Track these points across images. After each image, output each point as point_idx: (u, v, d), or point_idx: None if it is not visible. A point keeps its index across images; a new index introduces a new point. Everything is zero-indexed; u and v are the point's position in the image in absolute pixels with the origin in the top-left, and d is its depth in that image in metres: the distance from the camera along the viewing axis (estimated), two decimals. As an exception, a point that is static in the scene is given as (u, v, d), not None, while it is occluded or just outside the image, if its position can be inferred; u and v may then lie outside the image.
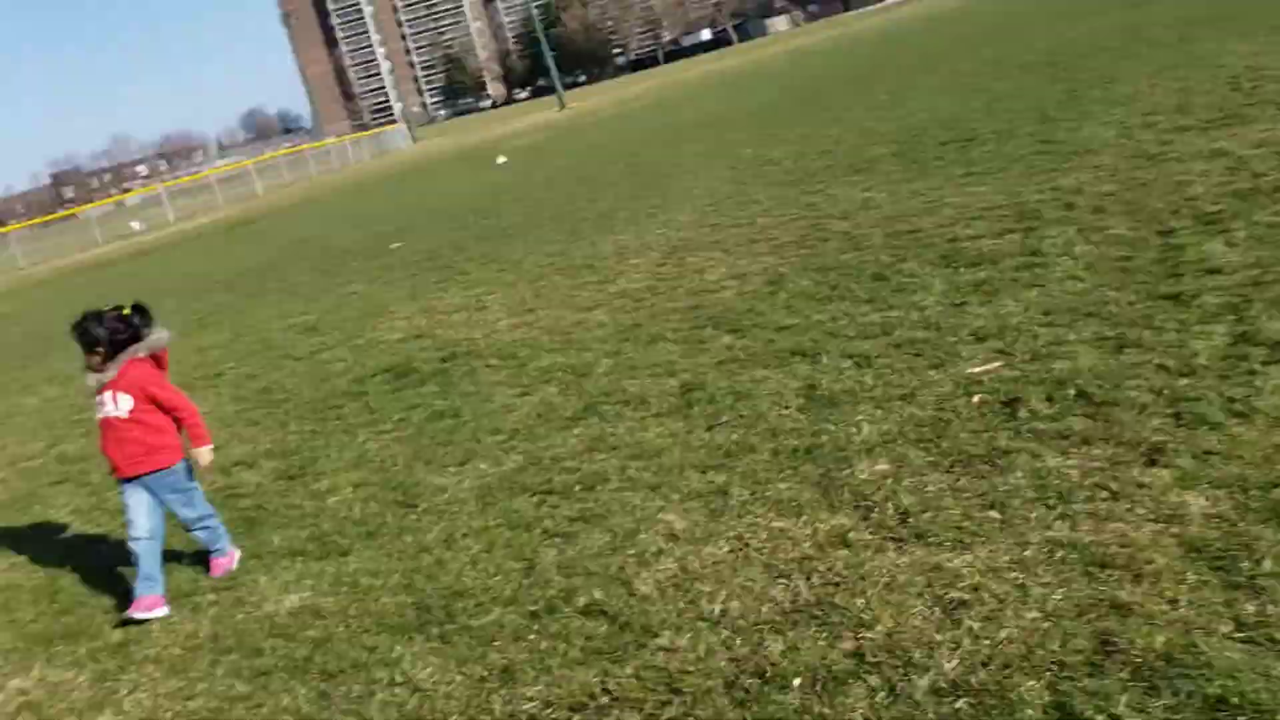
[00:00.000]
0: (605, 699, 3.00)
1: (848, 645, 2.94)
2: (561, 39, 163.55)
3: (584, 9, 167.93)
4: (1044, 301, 5.34)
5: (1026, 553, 3.16)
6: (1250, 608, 2.66)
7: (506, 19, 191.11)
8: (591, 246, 10.81)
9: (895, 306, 5.96)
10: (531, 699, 3.07)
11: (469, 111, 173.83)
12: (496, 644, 3.45)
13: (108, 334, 4.53)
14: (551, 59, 67.14)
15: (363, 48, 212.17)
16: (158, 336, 4.67)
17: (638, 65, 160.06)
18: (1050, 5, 30.44)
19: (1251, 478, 3.24)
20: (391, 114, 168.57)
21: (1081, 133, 9.61)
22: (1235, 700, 2.36)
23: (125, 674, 3.96)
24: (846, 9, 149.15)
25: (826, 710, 2.70)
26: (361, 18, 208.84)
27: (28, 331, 17.48)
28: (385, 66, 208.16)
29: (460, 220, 16.65)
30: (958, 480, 3.73)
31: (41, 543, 5.84)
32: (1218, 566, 2.87)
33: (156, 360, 4.68)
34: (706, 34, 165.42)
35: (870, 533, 3.53)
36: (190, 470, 4.67)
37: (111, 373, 4.51)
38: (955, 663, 2.74)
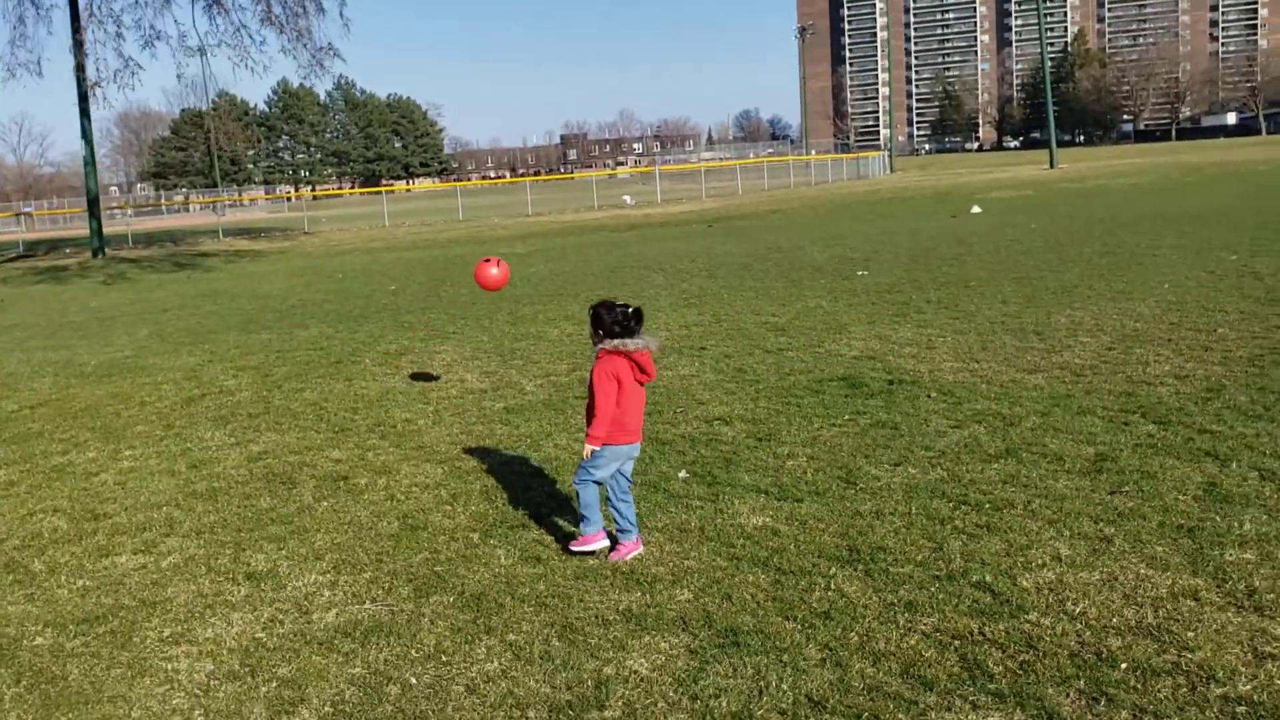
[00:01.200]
0: (980, 638, 4.24)
1: (1169, 656, 3.96)
2: (1068, 95, 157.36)
3: (1102, 69, 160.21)
4: None
5: (1343, 643, 3.97)
6: None
7: (1016, 65, 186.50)
8: (1046, 316, 11.62)
9: (1320, 438, 6.48)
10: (925, 630, 4.36)
11: (954, 150, 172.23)
12: (905, 587, 4.77)
13: (609, 321, 5.25)
14: (1053, 114, 65.42)
15: (866, 70, 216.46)
16: (643, 342, 5.27)
17: (1144, 136, 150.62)
18: None
19: None
20: (876, 139, 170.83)
21: None
22: None
23: (640, 530, 5.71)
24: None
25: (1139, 686, 3.77)
26: (873, 41, 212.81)
27: (550, 272, 20.94)
28: (883, 92, 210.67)
29: (924, 262, 17.80)
30: (1311, 582, 4.52)
31: (569, 434, 7.90)
32: None
33: (637, 362, 5.28)
34: (1232, 118, 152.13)
35: (1218, 596, 4.45)
36: (603, 456, 5.30)
37: (594, 350, 5.35)
38: (1249, 686, 3.69)
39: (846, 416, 7.95)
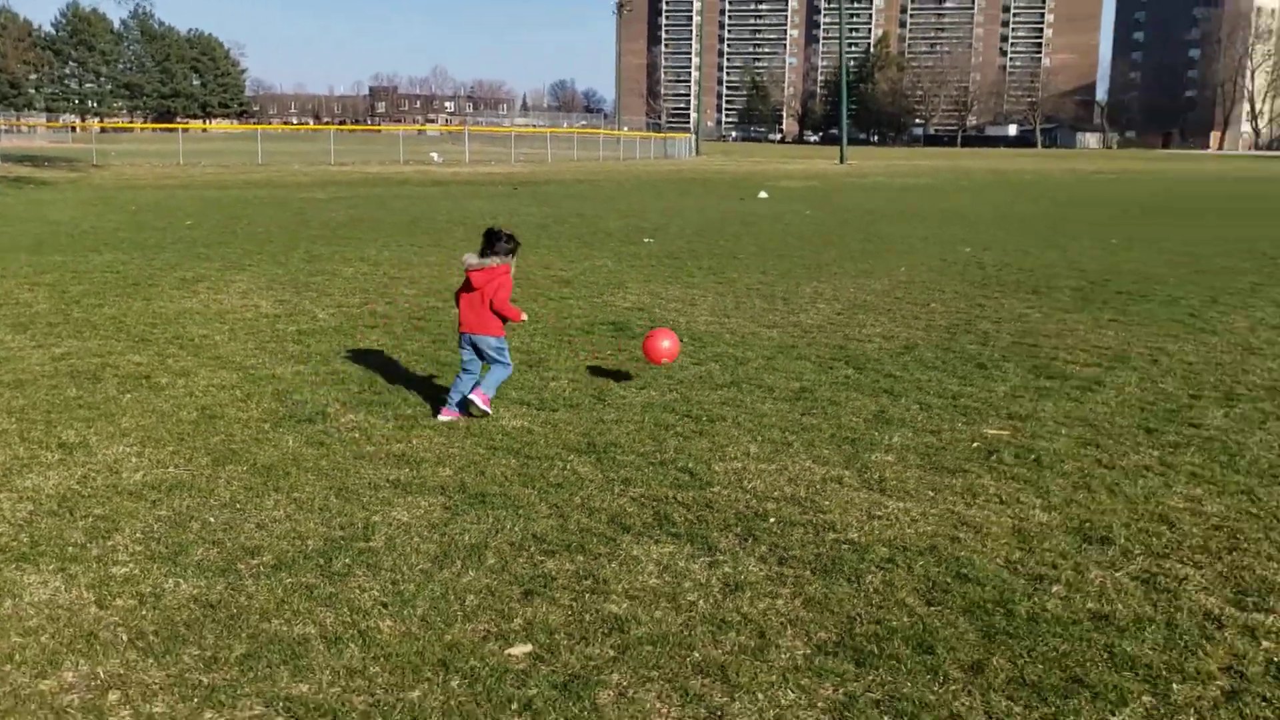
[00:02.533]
0: (673, 501, 5.45)
1: (807, 516, 5.28)
2: (866, 96, 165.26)
3: (900, 73, 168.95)
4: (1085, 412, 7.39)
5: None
6: None
7: (822, 62, 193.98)
8: (795, 286, 13.20)
9: (974, 385, 8.10)
10: (632, 496, 5.55)
11: (758, 139, 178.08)
12: (625, 469, 5.95)
13: (505, 243, 6.78)
14: (846, 114, 69.17)
15: (681, 52, 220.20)
16: (514, 262, 6.93)
17: (933, 140, 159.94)
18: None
19: None
20: (686, 121, 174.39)
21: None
22: None
23: (413, 432, 6.69)
24: (1165, 145, 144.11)
25: (779, 531, 5.06)
26: (689, 24, 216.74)
27: (350, 219, 21.35)
28: (694, 76, 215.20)
29: (705, 236, 19.33)
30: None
31: (361, 356, 8.77)
32: None
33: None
34: (1013, 129, 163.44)
35: (857, 482, 5.82)
36: (503, 343, 6.94)
37: (481, 265, 6.75)
38: (856, 534, 5.04)
39: (609, 352, 9.13)
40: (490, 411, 6.93)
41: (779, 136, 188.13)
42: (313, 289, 12.19)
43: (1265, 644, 4.02)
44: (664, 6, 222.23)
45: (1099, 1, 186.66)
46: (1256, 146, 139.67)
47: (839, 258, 16.33)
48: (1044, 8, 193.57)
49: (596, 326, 10.28)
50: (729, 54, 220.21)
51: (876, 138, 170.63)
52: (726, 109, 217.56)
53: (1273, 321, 11.01)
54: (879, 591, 4.45)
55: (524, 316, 7.17)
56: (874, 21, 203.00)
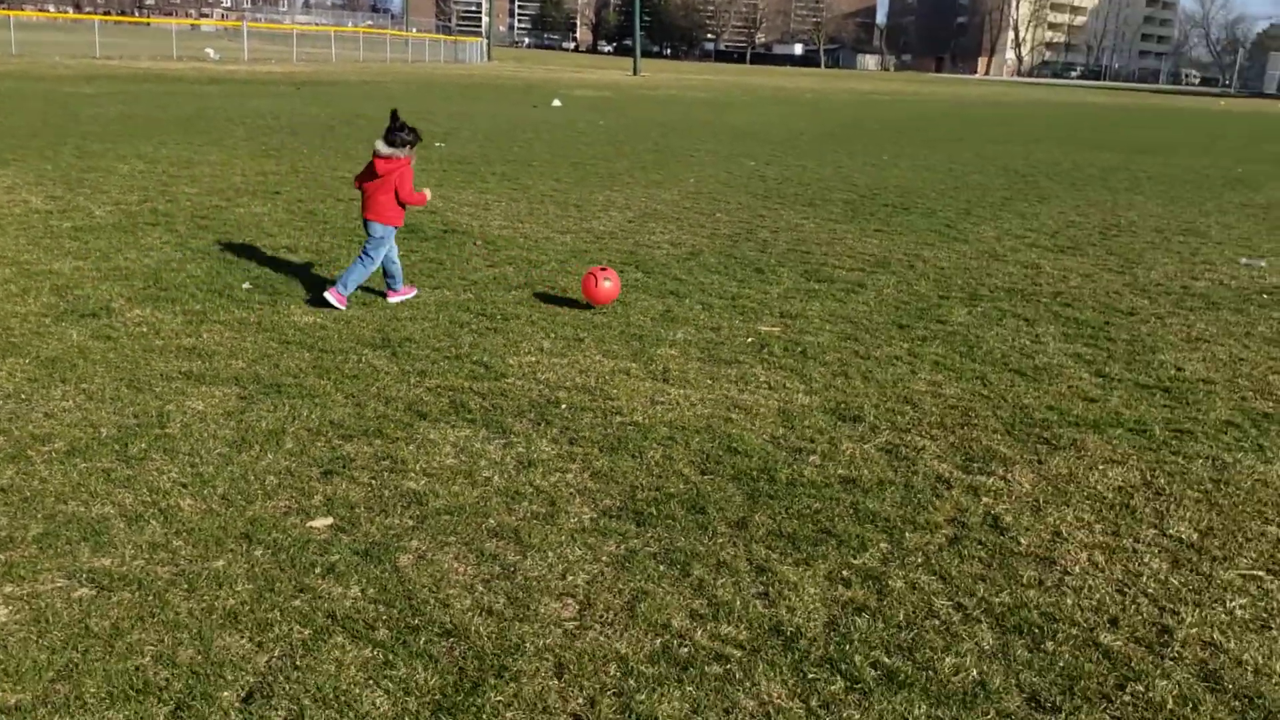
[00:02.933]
0: (469, 391, 5.71)
1: (597, 402, 5.65)
2: (660, 9, 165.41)
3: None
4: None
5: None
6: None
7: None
8: (589, 194, 13.48)
9: (751, 288, 8.65)
10: (429, 387, 5.76)
11: (552, 48, 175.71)
12: (421, 362, 6.15)
13: (407, 134, 7.11)
14: (639, 26, 69.20)
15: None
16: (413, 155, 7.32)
17: (723, 56, 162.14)
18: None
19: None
20: (478, 25, 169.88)
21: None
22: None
23: (202, 326, 6.64)
24: (938, 69, 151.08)
25: (569, 416, 5.41)
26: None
27: (121, 115, 20.07)
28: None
29: (498, 142, 19.29)
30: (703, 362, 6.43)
31: (144, 253, 8.51)
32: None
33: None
34: (799, 49, 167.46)
35: (643, 373, 6.23)
36: (388, 235, 7.26)
37: (391, 154, 7.07)
38: (640, 417, 5.45)
39: (401, 253, 9.18)
40: (342, 308, 7.16)
41: (573, 45, 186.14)
42: (86, 185, 11.57)
43: (985, 500, 4.68)
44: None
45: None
46: (1019, 73, 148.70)
47: (631, 168, 16.68)
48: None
49: (389, 228, 10.27)
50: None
51: (669, 51, 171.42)
52: (519, 14, 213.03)
53: (1016, 231, 12.10)
54: (659, 464, 4.87)
55: (429, 194, 7.54)
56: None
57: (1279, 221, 13.82)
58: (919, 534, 4.30)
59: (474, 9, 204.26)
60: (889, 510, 4.51)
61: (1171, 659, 3.48)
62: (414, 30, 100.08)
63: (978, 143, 26.01)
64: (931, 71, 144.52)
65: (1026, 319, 8.02)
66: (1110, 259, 10.64)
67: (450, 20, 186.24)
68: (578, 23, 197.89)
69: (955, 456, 5.18)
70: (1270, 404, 6.19)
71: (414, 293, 7.67)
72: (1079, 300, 8.70)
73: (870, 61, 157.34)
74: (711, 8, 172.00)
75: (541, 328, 7.07)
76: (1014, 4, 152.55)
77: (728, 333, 7.22)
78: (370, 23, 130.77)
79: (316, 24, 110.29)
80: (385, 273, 7.51)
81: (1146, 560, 4.17)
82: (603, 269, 7.78)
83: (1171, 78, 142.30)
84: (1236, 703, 3.26)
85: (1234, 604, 3.85)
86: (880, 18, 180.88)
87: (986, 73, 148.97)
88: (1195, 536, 4.40)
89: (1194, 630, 3.66)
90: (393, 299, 7.50)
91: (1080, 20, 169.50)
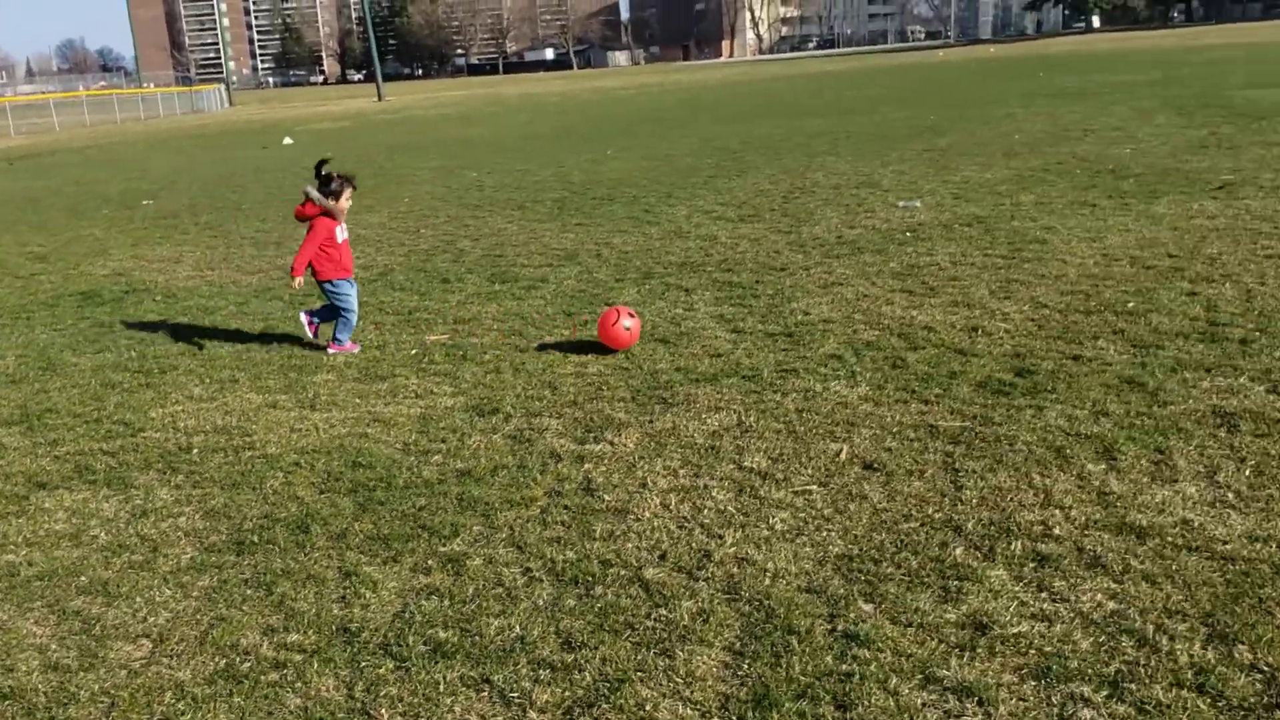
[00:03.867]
0: (98, 452, 5.64)
1: (234, 442, 5.69)
2: (404, 30, 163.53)
3: (432, 4, 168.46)
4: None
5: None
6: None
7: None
8: (292, 230, 13.34)
9: (432, 299, 8.81)
10: (56, 455, 5.66)
11: (299, 84, 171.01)
12: (57, 432, 6.02)
13: (334, 182, 7.04)
14: (377, 52, 68.35)
15: (200, 0, 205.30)
16: (334, 204, 7.17)
17: (476, 70, 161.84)
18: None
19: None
20: (220, 72, 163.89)
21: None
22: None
23: None
24: (686, 57, 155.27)
25: (199, 460, 5.44)
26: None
27: None
28: (221, 24, 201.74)
29: (212, 190, 18.79)
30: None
31: None
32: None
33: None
34: (550, 53, 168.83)
35: (293, 405, 6.30)
36: (333, 286, 7.24)
37: (307, 201, 7.08)
38: (277, 451, 5.53)
39: (70, 322, 8.90)
40: (354, 351, 7.29)
41: (321, 78, 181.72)
42: None
43: (586, 466, 4.99)
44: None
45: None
46: (760, 51, 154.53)
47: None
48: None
49: (62, 299, 9.92)
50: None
51: (421, 71, 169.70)
52: (261, 55, 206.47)
53: (708, 207, 12.71)
54: (277, 492, 4.97)
55: (298, 280, 7.16)
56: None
57: (948, 163, 14.98)
58: (512, 511, 4.56)
59: (213, 56, 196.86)
60: (493, 494, 4.76)
61: (704, 579, 3.85)
62: (151, 85, 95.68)
63: (704, 125, 26.98)
64: (679, 60, 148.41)
65: (687, 289, 8.49)
66: (783, 221, 11.34)
67: (189, 70, 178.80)
68: (323, 55, 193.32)
69: (576, 430, 5.49)
70: (876, 333, 6.80)
71: (356, 348, 7.36)
72: (740, 265, 9.27)
73: (620, 58, 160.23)
74: (456, 23, 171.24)
75: (197, 375, 7.03)
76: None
77: (393, 349, 7.36)
78: (104, 83, 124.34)
79: (43, 92, 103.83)
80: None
81: (714, 494, 4.56)
82: (624, 310, 6.93)
83: (899, 36, 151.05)
84: (748, 607, 3.65)
85: (775, 519, 4.27)
86: (625, 14, 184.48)
87: (730, 55, 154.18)
88: (766, 464, 4.84)
89: (731, 550, 4.05)
90: (332, 349, 7.32)
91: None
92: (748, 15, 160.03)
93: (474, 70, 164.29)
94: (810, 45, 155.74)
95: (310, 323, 7.53)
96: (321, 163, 7.15)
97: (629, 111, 36.60)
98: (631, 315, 6.87)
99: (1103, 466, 4.54)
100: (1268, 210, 9.59)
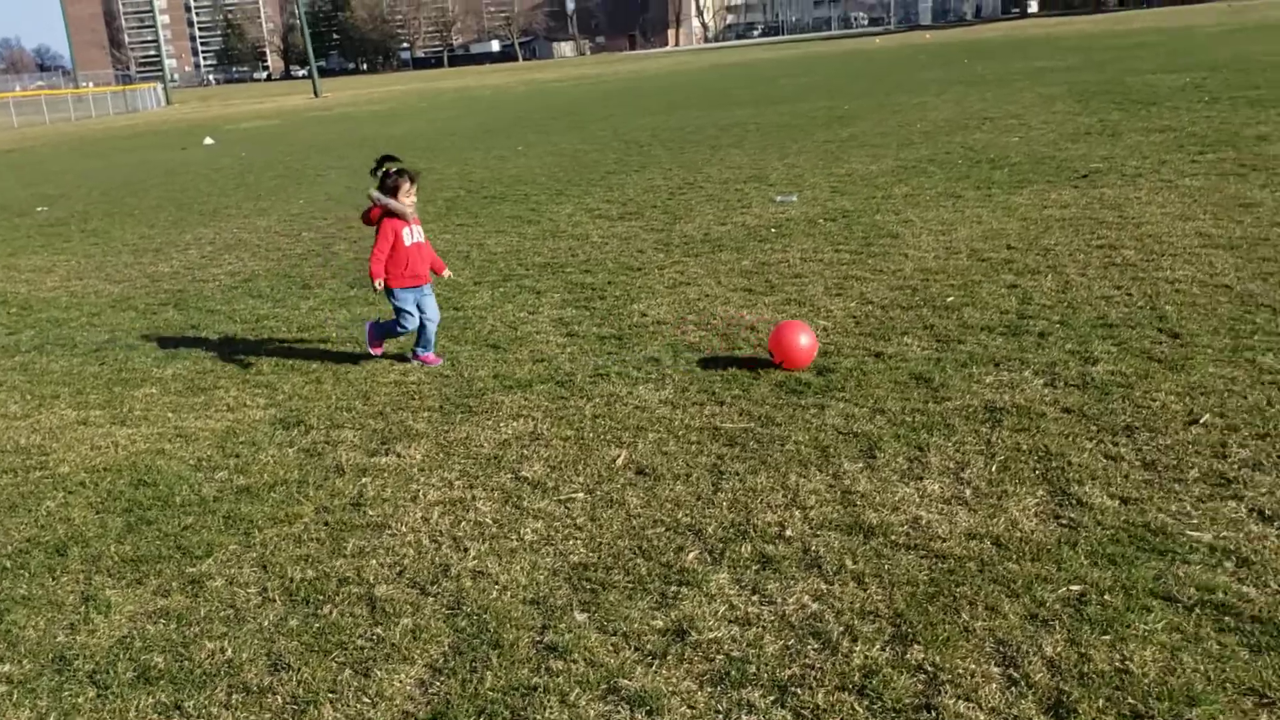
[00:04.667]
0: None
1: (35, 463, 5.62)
2: (348, 24, 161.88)
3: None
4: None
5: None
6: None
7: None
8: (179, 234, 13.20)
9: (284, 306, 8.75)
10: None
11: (242, 80, 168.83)
12: None
13: (388, 177, 6.48)
14: (311, 47, 67.70)
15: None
16: (396, 202, 6.53)
17: (421, 63, 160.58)
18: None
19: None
20: (161, 69, 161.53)
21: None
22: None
23: None
24: (632, 47, 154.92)
25: (-17, 481, 5.38)
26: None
27: None
28: (161, 20, 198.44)
29: (114, 195, 18.52)
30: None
31: None
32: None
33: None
34: (496, 45, 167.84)
35: (106, 418, 6.24)
36: (392, 296, 6.56)
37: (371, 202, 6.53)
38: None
39: (-83, 339, 8.75)
40: (436, 364, 6.73)
41: (266, 74, 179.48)
42: None
43: (364, 480, 4.99)
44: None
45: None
46: (706, 40, 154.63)
47: (244, 199, 16.42)
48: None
49: (-85, 313, 9.75)
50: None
51: (365, 65, 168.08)
52: (204, 51, 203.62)
53: (592, 205, 12.70)
54: (51, 514, 4.92)
55: (378, 282, 6.46)
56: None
57: (842, 154, 15.07)
58: (276, 528, 4.55)
59: (153, 54, 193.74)
60: (262, 511, 4.73)
61: (434, 595, 3.87)
62: (89, 85, 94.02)
63: (624, 118, 26.94)
64: (625, 50, 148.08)
65: (539, 291, 8.50)
66: (661, 218, 11.36)
67: (129, 68, 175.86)
68: (267, 50, 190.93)
69: (370, 443, 5.47)
70: (702, 334, 6.85)
71: (438, 361, 6.76)
72: (600, 265, 9.28)
73: (566, 48, 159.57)
74: (400, 17, 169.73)
75: (20, 391, 6.94)
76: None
77: (220, 362, 7.29)
78: (41, 83, 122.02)
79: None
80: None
81: (478, 506, 4.58)
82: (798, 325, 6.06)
83: (843, 23, 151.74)
84: (465, 622, 3.67)
85: (528, 530, 4.30)
86: (569, 4, 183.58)
87: (676, 44, 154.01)
88: (543, 473, 4.86)
89: (471, 563, 4.07)
90: (414, 361, 6.76)
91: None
92: (693, 4, 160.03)
93: (419, 64, 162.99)
94: (755, 33, 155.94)
95: (373, 340, 6.86)
96: (381, 160, 6.59)
97: (555, 105, 36.48)
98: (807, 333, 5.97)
99: (859, 465, 4.60)
100: (1120, 198, 9.76)
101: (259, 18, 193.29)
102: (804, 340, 5.89)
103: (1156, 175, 10.71)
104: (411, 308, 6.59)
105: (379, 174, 6.56)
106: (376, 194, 6.52)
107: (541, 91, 49.01)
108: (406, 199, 6.53)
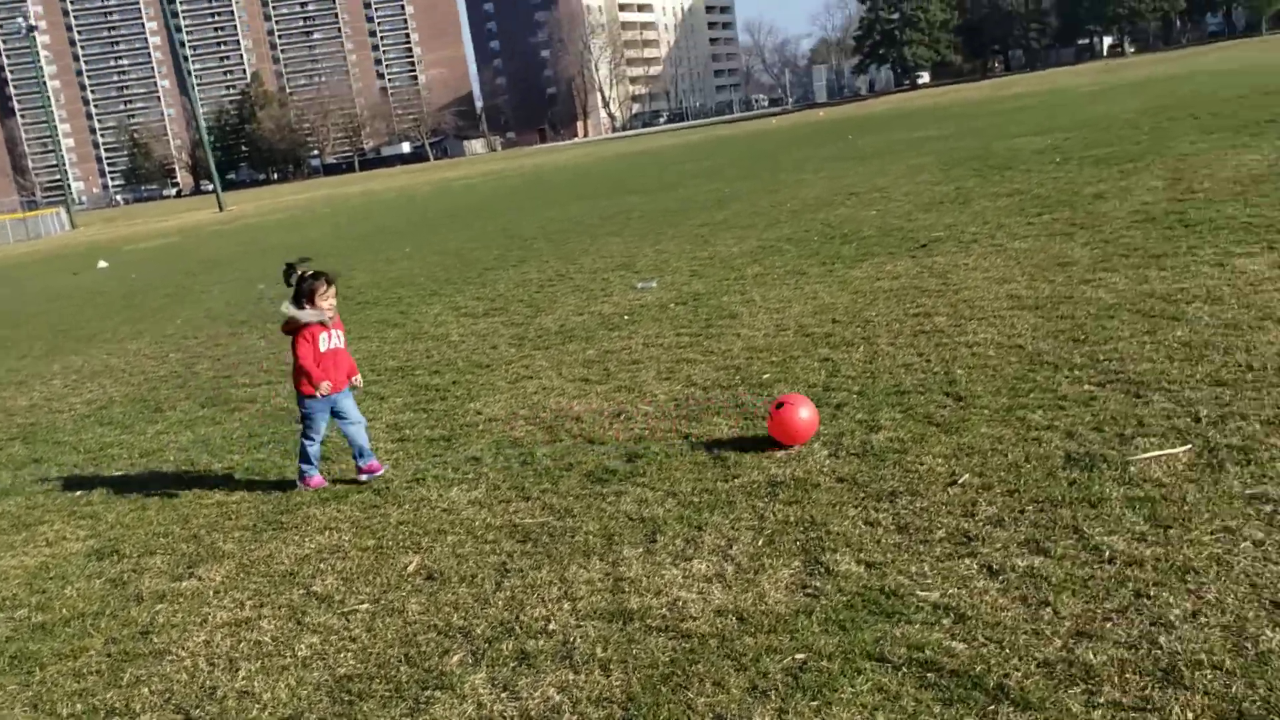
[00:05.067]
0: None
1: None
2: (255, 135, 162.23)
3: (282, 109, 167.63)
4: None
5: None
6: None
7: (202, 109, 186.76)
8: (46, 365, 13.08)
9: (132, 432, 8.73)
10: None
11: (152, 198, 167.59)
12: None
13: (302, 282, 6.16)
14: (214, 163, 67.86)
15: (41, 121, 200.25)
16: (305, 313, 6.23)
17: (333, 169, 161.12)
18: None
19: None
20: (68, 193, 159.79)
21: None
22: None
23: None
24: (543, 140, 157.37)
25: None
26: (43, 90, 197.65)
27: None
28: (61, 145, 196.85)
29: (-11, 327, 18.29)
30: None
31: None
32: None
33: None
34: (406, 147, 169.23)
35: None
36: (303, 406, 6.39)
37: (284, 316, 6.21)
38: None
39: None
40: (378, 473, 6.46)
41: (175, 190, 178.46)
42: None
43: (160, 606, 5.00)
44: (9, 75, 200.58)
45: (455, 14, 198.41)
46: (614, 129, 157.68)
47: (123, 322, 16.33)
48: (408, 28, 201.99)
49: None
50: (99, 114, 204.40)
51: (276, 175, 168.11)
52: (111, 172, 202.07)
53: (461, 304, 12.85)
54: None
55: (323, 386, 6.20)
56: (246, 61, 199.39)
57: (711, 237, 15.47)
58: (61, 664, 4.54)
59: (59, 177, 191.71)
60: (52, 647, 4.72)
61: (195, 718, 3.91)
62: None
63: (520, 212, 27.38)
64: (535, 144, 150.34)
65: (383, 396, 8.59)
66: (524, 312, 11.57)
67: (35, 194, 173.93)
68: (176, 167, 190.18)
69: (177, 568, 5.47)
70: (529, 429, 6.98)
71: (321, 483, 6.41)
72: (450, 365, 9.43)
73: (477, 145, 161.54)
74: (308, 124, 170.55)
75: None
76: (594, 67, 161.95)
77: (66, 486, 7.26)
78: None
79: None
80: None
81: (261, 625, 4.62)
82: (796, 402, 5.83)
83: (744, 105, 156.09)
84: None
85: (303, 646, 4.35)
86: (478, 103, 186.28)
87: (585, 135, 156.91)
88: (334, 586, 4.92)
89: (239, 684, 4.12)
90: (363, 476, 6.39)
91: (656, 70, 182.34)
92: (599, 95, 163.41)
93: (330, 170, 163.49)
94: (661, 120, 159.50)
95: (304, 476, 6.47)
96: (289, 267, 6.25)
97: (456, 203, 36.93)
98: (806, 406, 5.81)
99: (639, 550, 4.75)
100: (949, 265, 10.19)
101: (165, 135, 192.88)
102: (804, 414, 5.71)
103: (990, 240, 11.21)
104: (322, 421, 6.34)
105: (292, 280, 6.23)
106: (290, 309, 6.21)
107: (446, 190, 49.56)
108: (324, 302, 6.21)
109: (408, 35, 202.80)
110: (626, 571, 4.55)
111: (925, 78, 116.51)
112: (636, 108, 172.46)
